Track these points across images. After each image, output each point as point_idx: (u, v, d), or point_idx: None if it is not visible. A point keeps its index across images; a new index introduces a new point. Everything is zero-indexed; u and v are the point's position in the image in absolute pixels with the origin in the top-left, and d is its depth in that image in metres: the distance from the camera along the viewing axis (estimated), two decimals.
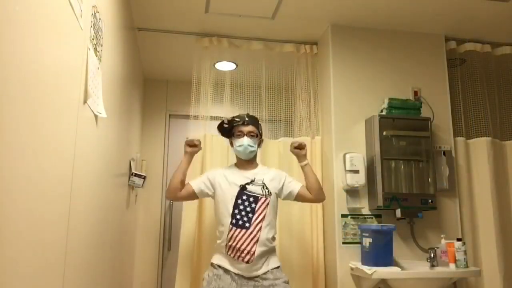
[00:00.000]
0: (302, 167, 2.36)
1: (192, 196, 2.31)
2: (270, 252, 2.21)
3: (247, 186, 2.24)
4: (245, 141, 2.28)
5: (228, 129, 2.35)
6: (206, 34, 3.04)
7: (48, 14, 1.07)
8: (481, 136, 2.98)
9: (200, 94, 2.98)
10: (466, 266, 2.45)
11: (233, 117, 2.36)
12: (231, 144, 2.39)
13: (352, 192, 2.72)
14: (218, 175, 2.31)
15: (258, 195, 2.22)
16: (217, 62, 3.20)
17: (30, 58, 0.96)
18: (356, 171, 2.66)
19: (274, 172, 2.39)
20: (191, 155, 2.34)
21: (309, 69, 3.09)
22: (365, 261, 2.51)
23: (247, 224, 2.16)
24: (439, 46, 3.06)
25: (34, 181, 1.01)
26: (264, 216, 2.19)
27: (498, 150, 2.98)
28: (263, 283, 2.13)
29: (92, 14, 1.55)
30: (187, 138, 2.44)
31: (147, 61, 3.58)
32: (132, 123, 3.05)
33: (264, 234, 2.17)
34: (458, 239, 2.53)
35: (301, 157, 2.37)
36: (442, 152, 2.85)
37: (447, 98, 2.98)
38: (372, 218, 2.71)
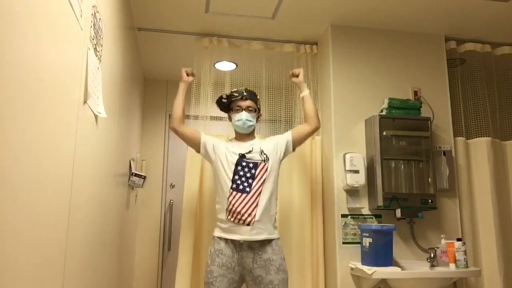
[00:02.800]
0: (302, 98, 2.50)
1: (195, 142, 2.37)
2: (270, 218, 2.24)
3: (246, 154, 2.29)
4: (243, 116, 2.33)
5: (226, 104, 2.40)
6: (206, 34, 3.04)
7: (48, 14, 1.07)
8: (481, 136, 2.98)
9: (200, 94, 2.98)
10: (466, 266, 2.45)
11: (232, 92, 2.40)
12: (230, 119, 2.44)
13: (352, 192, 2.72)
14: (221, 143, 2.37)
15: (257, 161, 2.27)
16: (217, 62, 3.20)
17: (30, 58, 0.96)
18: (356, 171, 2.66)
19: (269, 139, 2.47)
20: (187, 84, 2.47)
21: (309, 69, 3.09)
22: (365, 261, 2.51)
23: (247, 189, 2.21)
24: (439, 46, 3.06)
25: (34, 181, 1.01)
26: (264, 181, 2.24)
27: (498, 150, 2.98)
28: (262, 256, 2.16)
29: (92, 14, 1.55)
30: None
31: (147, 61, 3.58)
32: (132, 123, 3.05)
33: (265, 198, 2.21)
34: (458, 239, 2.53)
35: (302, 86, 2.52)
36: (442, 152, 2.85)
37: (447, 98, 2.98)
38: (372, 218, 2.71)
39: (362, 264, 2.52)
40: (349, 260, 2.61)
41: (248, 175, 2.23)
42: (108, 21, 1.88)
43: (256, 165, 2.26)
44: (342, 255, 2.62)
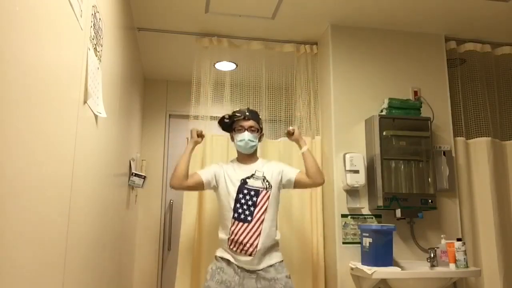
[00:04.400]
0: (302, 154, 2.37)
1: (200, 186, 2.31)
2: (272, 246, 2.22)
3: (247, 180, 2.26)
4: (245, 136, 2.29)
5: (229, 124, 2.38)
6: (206, 34, 3.04)
7: (48, 14, 1.07)
8: (481, 136, 2.98)
9: (200, 94, 2.98)
10: (466, 266, 2.45)
11: (234, 112, 2.37)
12: (232, 139, 2.41)
13: (352, 192, 2.72)
14: (221, 169, 2.33)
15: (258, 189, 2.24)
16: (217, 62, 3.20)
17: (30, 58, 0.96)
18: (356, 171, 2.66)
19: (274, 164, 2.40)
20: (196, 144, 2.40)
21: (309, 69, 3.09)
22: (365, 261, 2.51)
23: (249, 218, 2.18)
24: (439, 46, 3.06)
25: (34, 181, 1.01)
26: (265, 209, 2.21)
27: (498, 150, 2.98)
28: (265, 275, 2.15)
29: (92, 14, 1.55)
30: (192, 133, 2.43)
31: (147, 61, 3.58)
32: (132, 123, 3.05)
33: (267, 227, 2.19)
34: (458, 239, 2.53)
35: (299, 143, 2.39)
36: (442, 152, 2.85)
37: (447, 98, 2.98)
38: (372, 218, 2.71)
39: (362, 264, 2.52)
40: (349, 260, 2.61)
41: (250, 203, 2.21)
42: (108, 21, 1.88)
43: (257, 193, 2.23)
44: (342, 255, 2.62)
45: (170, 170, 3.89)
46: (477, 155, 2.95)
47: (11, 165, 0.87)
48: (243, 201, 2.21)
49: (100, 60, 1.69)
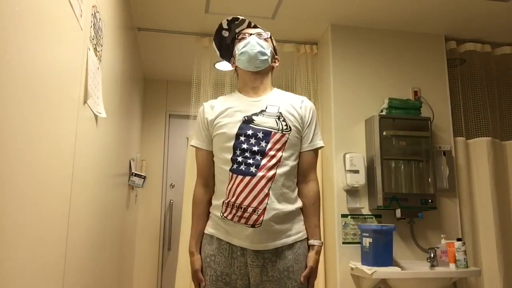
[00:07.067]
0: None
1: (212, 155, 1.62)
2: (290, 215, 1.51)
3: (254, 117, 1.54)
4: (252, 39, 1.59)
5: (229, 41, 1.69)
6: (206, 34, 3.04)
7: (48, 14, 1.07)
8: (481, 136, 2.98)
9: (200, 94, 2.98)
10: (466, 266, 2.45)
11: (234, 17, 1.67)
12: (233, 65, 1.70)
13: (352, 192, 2.72)
14: (213, 110, 1.61)
15: (270, 130, 1.52)
16: (217, 62, 3.20)
17: (30, 58, 0.96)
18: (356, 171, 2.66)
19: (299, 98, 1.65)
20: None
21: (309, 69, 3.09)
22: (365, 261, 2.51)
23: (252, 169, 1.47)
24: (439, 46, 3.06)
25: (34, 181, 1.01)
26: (279, 160, 1.49)
27: (498, 150, 2.98)
28: (277, 264, 1.46)
29: (92, 14, 1.55)
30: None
31: (147, 61, 3.58)
32: (132, 123, 3.05)
33: (278, 187, 1.48)
34: (458, 239, 2.53)
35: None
36: (442, 152, 2.85)
37: (447, 98, 2.98)
38: (372, 218, 2.71)
39: (362, 264, 2.52)
40: (349, 260, 2.61)
41: (255, 149, 1.49)
42: (108, 21, 1.88)
43: (268, 135, 1.51)
44: (342, 255, 2.62)
45: (170, 170, 3.90)
46: (477, 155, 2.95)
47: (11, 165, 0.87)
48: (244, 146, 1.49)
49: (100, 60, 1.69)
